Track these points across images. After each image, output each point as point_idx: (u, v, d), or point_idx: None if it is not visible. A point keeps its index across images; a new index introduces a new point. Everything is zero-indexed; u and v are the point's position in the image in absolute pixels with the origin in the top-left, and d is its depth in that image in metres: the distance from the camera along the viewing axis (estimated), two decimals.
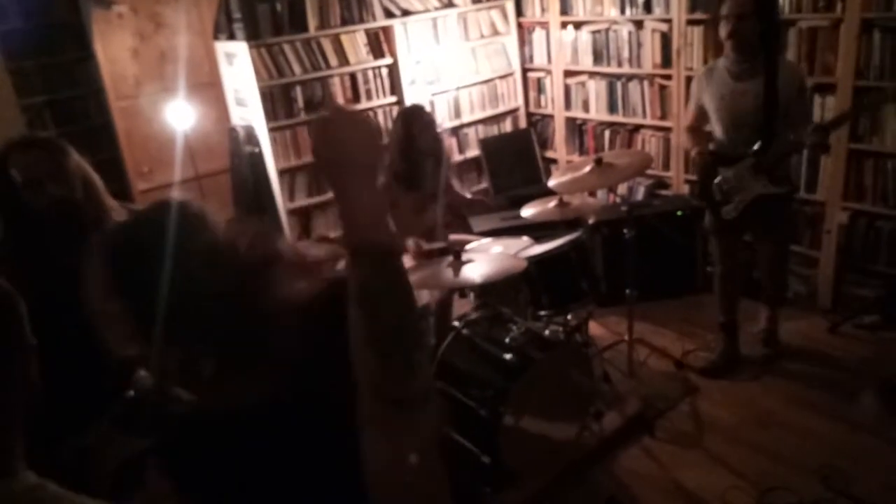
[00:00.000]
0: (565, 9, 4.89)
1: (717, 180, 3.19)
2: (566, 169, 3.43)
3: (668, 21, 4.29)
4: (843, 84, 3.56)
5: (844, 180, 3.70)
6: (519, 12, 5.19)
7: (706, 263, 3.99)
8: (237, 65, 4.25)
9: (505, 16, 5.16)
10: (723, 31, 3.00)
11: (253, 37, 4.10)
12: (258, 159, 4.34)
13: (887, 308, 3.65)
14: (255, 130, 4.32)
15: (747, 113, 3.01)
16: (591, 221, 4.03)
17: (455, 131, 5.02)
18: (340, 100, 4.48)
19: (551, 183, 3.24)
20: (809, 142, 2.90)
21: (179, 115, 4.20)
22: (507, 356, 2.77)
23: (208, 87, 4.61)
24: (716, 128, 3.21)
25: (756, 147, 3.02)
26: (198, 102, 4.41)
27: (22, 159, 1.91)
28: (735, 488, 2.71)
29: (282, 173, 4.34)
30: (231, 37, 4.24)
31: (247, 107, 4.33)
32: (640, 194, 4.60)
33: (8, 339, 1.06)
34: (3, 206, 1.90)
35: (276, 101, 4.27)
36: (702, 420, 3.16)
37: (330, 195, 4.52)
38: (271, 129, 4.24)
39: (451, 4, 4.86)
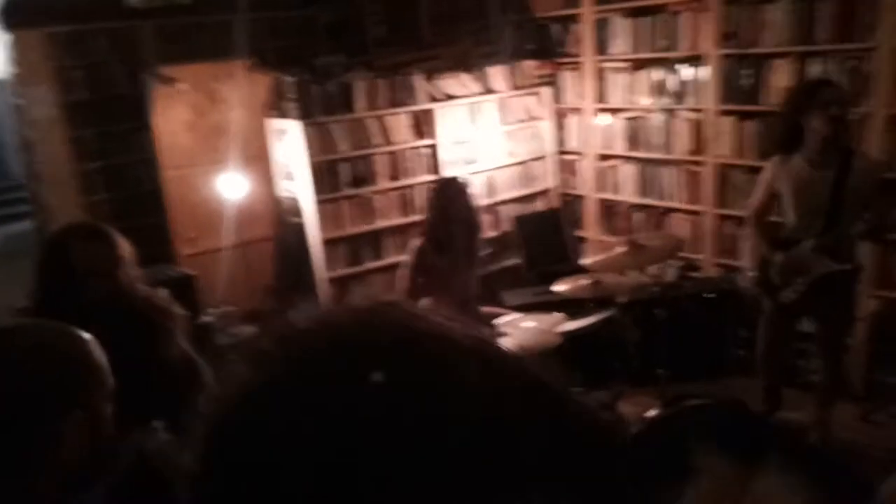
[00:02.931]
0: (601, 96, 5.11)
1: (775, 263, 3.17)
2: (600, 248, 3.55)
3: (700, 111, 4.47)
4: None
5: (877, 267, 3.75)
6: (556, 98, 5.42)
7: (737, 346, 4.03)
8: (287, 141, 4.51)
9: (541, 101, 5.39)
10: (819, 119, 2.94)
11: (305, 115, 4.36)
12: (301, 229, 4.54)
13: None
14: (299, 202, 4.53)
15: (823, 200, 3.00)
16: (621, 300, 4.11)
17: (490, 208, 5.19)
18: (382, 176, 4.70)
19: (585, 261, 3.35)
20: (862, 228, 2.95)
21: (230, 186, 4.44)
22: None
23: (256, 160, 4.88)
24: (790, 214, 3.18)
25: (818, 230, 3.03)
26: (246, 174, 4.66)
27: (82, 248, 2.02)
28: None
29: (324, 243, 4.52)
30: (283, 114, 4.51)
31: (293, 180, 4.56)
32: (670, 275, 4.68)
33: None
34: (58, 293, 1.92)
35: (324, 175, 4.49)
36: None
37: (367, 265, 4.69)
38: (318, 202, 4.45)
39: (490, 91, 5.11)
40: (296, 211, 4.57)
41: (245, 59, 4.83)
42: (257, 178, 4.85)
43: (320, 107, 4.42)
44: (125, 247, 2.04)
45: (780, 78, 4.03)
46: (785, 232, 3.26)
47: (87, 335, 1.22)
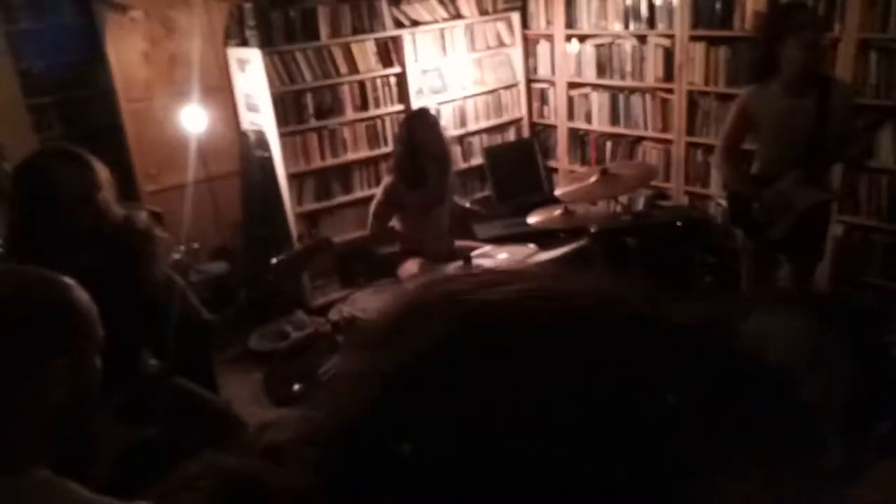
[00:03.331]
0: (570, 22, 5.00)
1: (758, 203, 3.09)
2: (571, 179, 3.54)
3: (671, 37, 4.41)
4: None
5: (841, 194, 3.80)
6: (525, 25, 5.30)
7: (705, 273, 4.09)
8: (249, 71, 4.35)
9: (511, 28, 5.26)
10: (795, 45, 2.84)
11: (266, 44, 4.20)
12: (268, 163, 4.43)
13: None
14: (265, 135, 4.41)
15: (804, 130, 2.94)
16: (593, 230, 4.13)
17: (460, 140, 5.12)
18: (349, 107, 4.58)
19: (558, 192, 3.34)
20: (850, 154, 2.97)
21: (191, 119, 4.28)
22: None
23: (218, 91, 4.70)
24: (767, 144, 3.12)
25: (807, 160, 2.97)
26: (208, 107, 4.50)
27: (60, 173, 1.92)
28: None
29: (291, 178, 4.43)
30: (243, 43, 4.33)
31: (258, 112, 4.42)
32: (640, 204, 4.70)
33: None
34: (39, 224, 1.87)
35: (288, 107, 4.36)
36: None
37: (336, 200, 4.62)
38: (282, 135, 4.33)
39: (458, 16, 4.97)
40: (262, 144, 4.45)
41: None
42: (220, 111, 4.68)
43: (282, 34, 4.25)
44: (102, 169, 1.97)
45: (753, 1, 3.97)
46: (758, 164, 3.19)
47: (69, 281, 1.19)
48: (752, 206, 3.11)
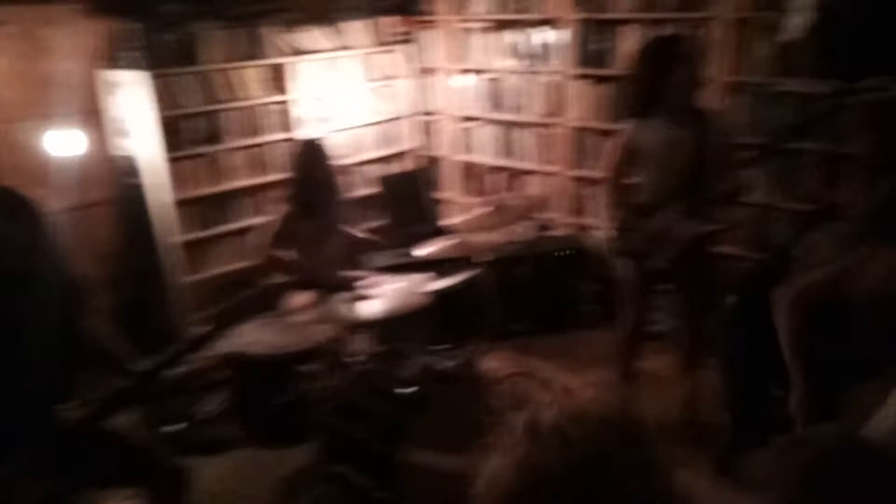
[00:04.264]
0: (462, 57, 5.10)
1: (641, 234, 3.09)
2: (462, 209, 3.56)
3: (557, 73, 4.57)
4: None
5: (725, 228, 4.00)
6: (417, 58, 5.35)
7: (588, 301, 4.21)
8: (125, 94, 4.13)
9: (402, 60, 5.30)
10: (676, 74, 2.88)
11: (148, 67, 4.01)
12: (139, 192, 4.22)
13: None
14: (138, 162, 4.20)
15: (685, 161, 2.95)
16: (484, 260, 4.17)
17: (350, 169, 5.06)
18: (235, 133, 4.44)
19: (448, 222, 3.35)
20: (728, 188, 2.98)
21: (61, 143, 4.01)
22: (404, 391, 2.80)
23: (91, 115, 4.42)
24: (649, 177, 3.11)
25: (688, 192, 2.99)
26: (80, 131, 4.22)
27: None
28: None
29: (174, 206, 4.22)
30: (122, 65, 4.12)
31: (132, 137, 4.20)
32: (527, 235, 4.80)
33: None
34: None
35: (171, 132, 4.17)
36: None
37: (220, 229, 4.44)
38: (165, 161, 4.13)
39: (349, 46, 4.95)
40: (133, 171, 4.22)
41: (78, 4, 4.34)
42: (91, 136, 4.39)
43: (165, 58, 4.08)
44: None
45: (630, 43, 4.18)
46: (643, 195, 3.17)
47: None
48: (636, 237, 3.12)
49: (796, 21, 2.73)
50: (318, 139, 3.71)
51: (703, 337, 3.34)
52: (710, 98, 3.85)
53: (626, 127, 3.15)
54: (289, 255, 3.56)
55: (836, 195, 2.67)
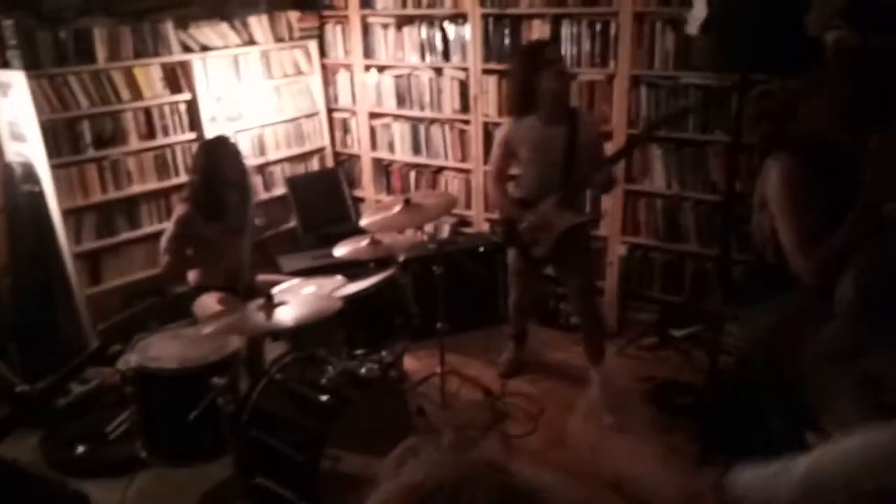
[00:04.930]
0: (368, 52, 5.02)
1: (523, 224, 3.37)
2: (377, 208, 3.51)
3: (466, 69, 4.56)
4: (618, 131, 4.00)
5: (622, 216, 4.13)
6: (322, 53, 5.24)
7: (506, 296, 4.24)
8: (13, 96, 3.85)
9: (308, 56, 5.18)
10: (548, 76, 3.18)
11: (32, 66, 3.74)
12: (39, 199, 3.94)
13: (662, 330, 4.11)
14: (34, 168, 3.92)
15: (558, 156, 3.24)
16: (400, 259, 4.13)
17: (260, 169, 4.92)
18: (134, 135, 4.22)
19: (363, 222, 3.29)
20: (599, 177, 3.25)
21: None
22: (323, 398, 2.73)
23: None
24: (527, 171, 3.40)
25: (555, 185, 3.28)
26: None
27: None
28: None
29: (66, 214, 3.97)
30: (5, 65, 3.83)
31: (25, 142, 3.92)
32: (445, 232, 4.80)
33: None
34: None
35: (60, 135, 3.91)
36: (510, 445, 3.33)
37: (122, 237, 4.22)
38: (54, 167, 3.88)
39: (252, 42, 4.79)
40: (30, 177, 3.94)
41: None
42: None
43: (51, 56, 3.81)
44: None
45: (536, 36, 4.22)
46: (522, 189, 3.47)
47: None
48: (518, 228, 3.41)
49: (698, 15, 2.84)
50: (224, 136, 3.57)
51: (600, 317, 3.73)
52: (616, 90, 3.95)
53: (504, 125, 3.47)
54: (191, 260, 3.42)
55: (736, 184, 2.80)
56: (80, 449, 3.32)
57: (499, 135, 3.49)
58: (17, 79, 3.76)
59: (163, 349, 2.86)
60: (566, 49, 4.11)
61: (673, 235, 4.04)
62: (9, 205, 4.05)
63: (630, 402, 3.59)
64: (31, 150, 3.90)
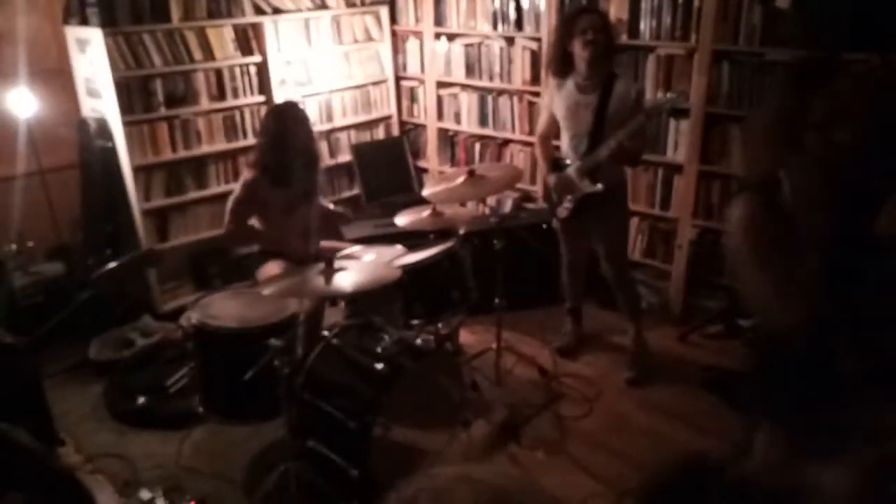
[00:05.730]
0: (439, 20, 4.93)
1: (550, 183, 3.48)
2: (440, 179, 3.46)
3: (538, 39, 4.43)
4: (696, 109, 3.82)
5: (694, 199, 3.96)
6: (393, 20, 5.18)
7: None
8: (90, 52, 3.93)
9: (379, 22, 5.13)
10: (578, 45, 3.24)
11: (109, 23, 3.81)
12: (111, 154, 4.03)
13: (729, 318, 3.95)
14: (108, 124, 4.01)
15: (588, 122, 3.30)
16: (461, 232, 4.07)
17: (326, 135, 4.92)
18: (205, 96, 4.26)
19: (425, 192, 3.24)
20: (608, 149, 3.20)
21: (21, 104, 3.82)
22: (378, 366, 2.72)
23: (55, 74, 4.22)
24: (563, 135, 3.48)
25: (583, 151, 3.33)
26: (43, 91, 4.03)
27: None
28: (595, 493, 2.81)
29: (137, 171, 4.06)
30: (84, 22, 3.91)
31: (100, 98, 4.01)
32: (507, 206, 4.71)
33: None
34: None
35: (133, 93, 3.99)
36: (565, 426, 3.26)
37: (189, 196, 4.29)
38: (126, 124, 3.95)
39: (324, 6, 4.77)
40: (104, 133, 4.03)
41: None
42: (57, 96, 4.20)
43: (127, 14, 3.87)
44: None
45: (614, 9, 4.05)
46: (562, 152, 3.54)
47: None
48: (550, 187, 3.53)
49: None
50: (294, 102, 3.53)
51: (631, 288, 3.75)
52: (696, 66, 3.76)
53: (547, 90, 3.60)
54: (255, 224, 3.43)
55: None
56: (141, 400, 3.42)
57: (543, 100, 3.61)
58: (94, 36, 3.83)
59: (224, 308, 2.89)
60: (645, 23, 3.94)
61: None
62: (83, 159, 4.16)
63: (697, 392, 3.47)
64: (106, 107, 3.99)
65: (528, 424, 3.25)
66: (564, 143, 3.48)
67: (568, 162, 3.44)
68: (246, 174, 3.39)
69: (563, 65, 3.35)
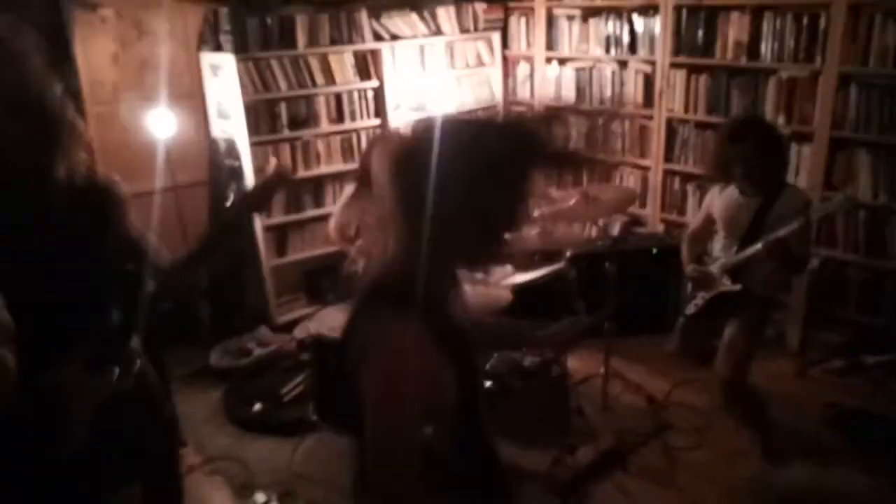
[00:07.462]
0: (551, 45, 4.97)
1: (688, 274, 3.20)
2: (549, 199, 3.46)
3: (652, 63, 4.39)
4: (819, 134, 3.67)
5: (817, 227, 3.79)
6: (505, 45, 5.26)
7: (678, 303, 4.03)
8: (222, 77, 4.22)
9: (491, 47, 5.22)
10: (736, 171, 2.95)
11: (241, 49, 4.08)
12: (238, 173, 4.29)
13: (853, 353, 3.73)
14: (236, 144, 4.28)
15: (745, 225, 2.99)
16: (568, 253, 4.06)
17: None
18: (325, 118, 4.47)
19: (535, 213, 3.26)
20: (760, 246, 2.87)
21: (160, 124, 4.13)
22: (486, 383, 2.75)
23: (189, 97, 4.55)
24: (716, 238, 3.20)
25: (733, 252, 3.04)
26: (178, 112, 4.35)
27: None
28: None
29: None
30: (217, 48, 4.20)
31: (229, 119, 4.28)
32: (615, 229, 4.65)
33: None
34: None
35: (260, 115, 4.24)
36: (673, 456, 3.17)
37: (307, 214, 4.49)
38: (253, 144, 4.20)
39: (439, 32, 4.91)
40: (232, 153, 4.31)
41: None
42: (190, 117, 4.52)
43: (257, 41, 4.13)
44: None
45: (734, 31, 3.97)
46: (708, 255, 3.25)
47: None
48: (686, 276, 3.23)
49: None
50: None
51: (738, 381, 3.13)
52: (821, 89, 3.61)
53: (710, 192, 3.25)
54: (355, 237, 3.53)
55: None
56: (257, 407, 3.58)
57: (705, 200, 3.28)
58: (227, 61, 4.10)
59: (340, 320, 3.00)
60: (766, 44, 3.84)
61: (875, 250, 3.65)
62: (212, 177, 4.44)
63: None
64: (234, 128, 4.26)
65: (635, 452, 3.18)
66: (717, 245, 3.19)
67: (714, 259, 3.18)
68: (349, 187, 3.53)
69: (724, 176, 3.05)
